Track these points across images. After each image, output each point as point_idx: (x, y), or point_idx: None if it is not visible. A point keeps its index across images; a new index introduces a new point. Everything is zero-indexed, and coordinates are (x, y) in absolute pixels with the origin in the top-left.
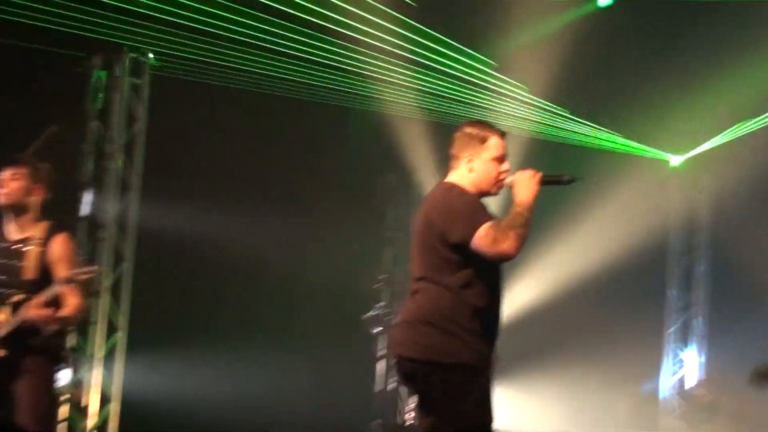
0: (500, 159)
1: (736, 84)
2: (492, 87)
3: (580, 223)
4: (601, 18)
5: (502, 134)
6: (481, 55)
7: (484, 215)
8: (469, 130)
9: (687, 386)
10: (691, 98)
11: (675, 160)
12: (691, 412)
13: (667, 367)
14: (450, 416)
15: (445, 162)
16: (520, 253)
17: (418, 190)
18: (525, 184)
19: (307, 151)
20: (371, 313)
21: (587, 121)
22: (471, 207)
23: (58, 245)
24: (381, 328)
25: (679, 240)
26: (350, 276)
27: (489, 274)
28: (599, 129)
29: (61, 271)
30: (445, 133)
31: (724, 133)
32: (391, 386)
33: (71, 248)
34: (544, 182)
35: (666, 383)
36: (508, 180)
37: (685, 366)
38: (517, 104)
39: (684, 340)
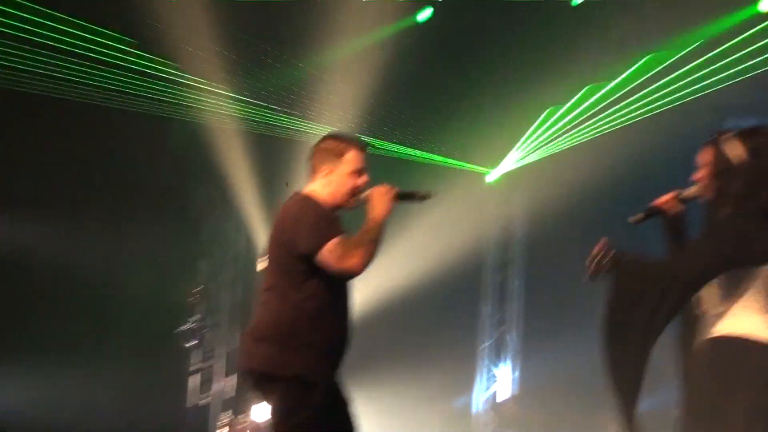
0: (358, 172)
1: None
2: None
3: (399, 237)
4: (417, 33)
5: (362, 147)
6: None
7: (334, 229)
8: (328, 143)
9: (499, 401)
10: (502, 115)
11: (491, 176)
12: (503, 427)
13: (480, 382)
14: (286, 429)
15: (263, 173)
16: (365, 270)
17: (234, 202)
18: (379, 200)
19: (123, 161)
20: (185, 326)
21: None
22: (322, 219)
23: None
24: (195, 342)
25: (493, 255)
26: (165, 289)
27: (335, 288)
28: (410, 146)
29: None
30: (264, 144)
31: (524, 147)
32: (203, 401)
33: None
34: (399, 198)
35: (479, 398)
36: (363, 194)
37: (498, 381)
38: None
39: (498, 355)
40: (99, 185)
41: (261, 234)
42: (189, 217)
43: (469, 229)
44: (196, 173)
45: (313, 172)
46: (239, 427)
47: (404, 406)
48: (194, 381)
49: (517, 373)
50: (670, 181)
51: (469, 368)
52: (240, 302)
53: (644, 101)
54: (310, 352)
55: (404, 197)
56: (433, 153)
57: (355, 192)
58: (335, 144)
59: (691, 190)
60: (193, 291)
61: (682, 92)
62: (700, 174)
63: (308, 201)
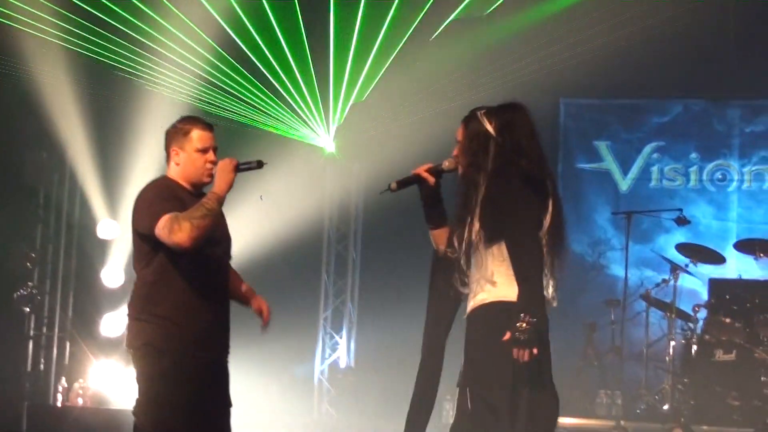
0: (204, 150)
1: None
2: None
3: (241, 208)
4: None
5: (207, 126)
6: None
7: (168, 206)
8: (175, 125)
9: (338, 370)
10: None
11: (330, 146)
12: (340, 396)
13: (320, 351)
14: (139, 395)
15: (99, 139)
16: (197, 242)
17: (71, 167)
18: (221, 173)
19: None
20: (22, 291)
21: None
22: (156, 198)
23: None
24: (30, 307)
25: (333, 227)
26: (1, 254)
27: (182, 264)
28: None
29: None
30: (102, 108)
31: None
32: (41, 367)
33: None
34: (240, 169)
35: (318, 368)
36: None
37: (338, 350)
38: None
39: (337, 326)
40: None
41: (97, 200)
42: (23, 182)
43: (310, 200)
44: (29, 137)
45: (167, 157)
46: (74, 393)
47: (246, 374)
48: (31, 346)
49: (353, 344)
50: None
51: (311, 338)
52: (75, 269)
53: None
54: (158, 322)
55: (244, 168)
56: (272, 125)
57: (206, 167)
58: (181, 125)
59: (445, 164)
60: (30, 256)
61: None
62: (455, 150)
63: (149, 184)
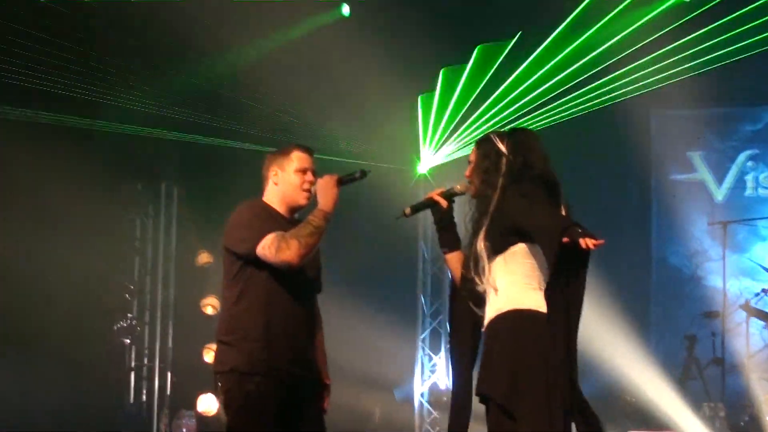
0: (303, 170)
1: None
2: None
3: (333, 230)
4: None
5: (308, 149)
6: None
7: (268, 226)
8: (274, 150)
9: (438, 391)
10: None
11: (422, 167)
12: (442, 417)
13: (419, 372)
14: (227, 420)
15: (196, 171)
16: (303, 261)
17: (166, 199)
18: (324, 190)
19: (53, 157)
20: (122, 323)
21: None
22: (255, 218)
23: None
24: (129, 340)
25: (428, 248)
26: (99, 287)
27: (275, 285)
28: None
29: None
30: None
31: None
32: (143, 398)
33: None
34: (342, 183)
35: (419, 389)
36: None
37: (436, 372)
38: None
39: (436, 347)
40: (34, 186)
41: (193, 232)
42: (122, 216)
43: (404, 222)
44: (125, 169)
45: (264, 179)
46: (177, 424)
47: (347, 396)
48: (133, 378)
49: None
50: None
51: (409, 360)
52: (174, 300)
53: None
54: (244, 346)
55: (346, 181)
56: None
57: (304, 188)
58: (281, 148)
59: (457, 187)
60: (130, 288)
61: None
62: (467, 171)
63: (243, 205)
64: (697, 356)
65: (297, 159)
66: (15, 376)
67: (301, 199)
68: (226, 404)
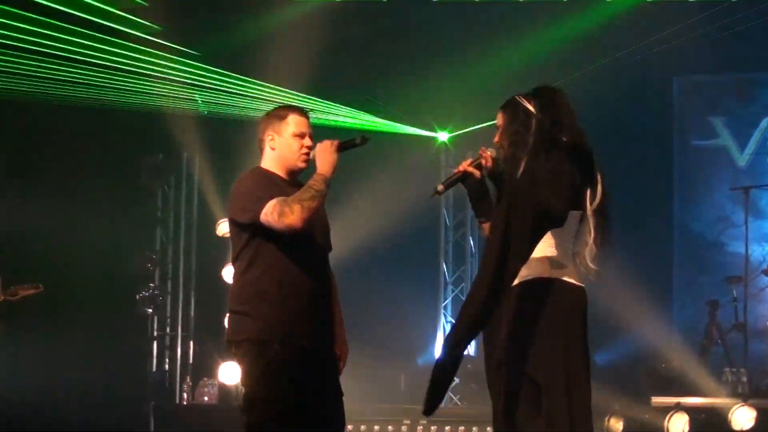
0: (301, 135)
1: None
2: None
3: (354, 198)
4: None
5: (302, 112)
6: None
7: (270, 192)
8: (269, 112)
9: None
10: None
11: (443, 135)
12: (464, 384)
13: (442, 340)
14: (247, 389)
15: (216, 143)
16: (307, 223)
17: (187, 170)
18: (323, 154)
19: (75, 132)
20: (144, 293)
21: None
22: (256, 185)
23: None
24: (151, 309)
25: (450, 215)
26: (121, 256)
27: (284, 251)
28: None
29: None
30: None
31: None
32: (166, 367)
33: None
34: (342, 148)
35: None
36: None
37: None
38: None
39: (457, 313)
40: (54, 160)
41: (214, 199)
42: (141, 185)
43: (425, 190)
44: (145, 141)
45: (260, 143)
46: (199, 391)
47: (370, 365)
48: (155, 347)
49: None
50: None
51: (432, 327)
52: (196, 269)
53: None
54: (258, 313)
55: (346, 147)
56: (383, 118)
57: (302, 152)
58: (276, 111)
59: (486, 155)
60: (151, 258)
61: None
62: (496, 136)
63: (245, 174)
64: (719, 322)
65: (294, 123)
66: (40, 345)
67: (300, 163)
68: (244, 373)
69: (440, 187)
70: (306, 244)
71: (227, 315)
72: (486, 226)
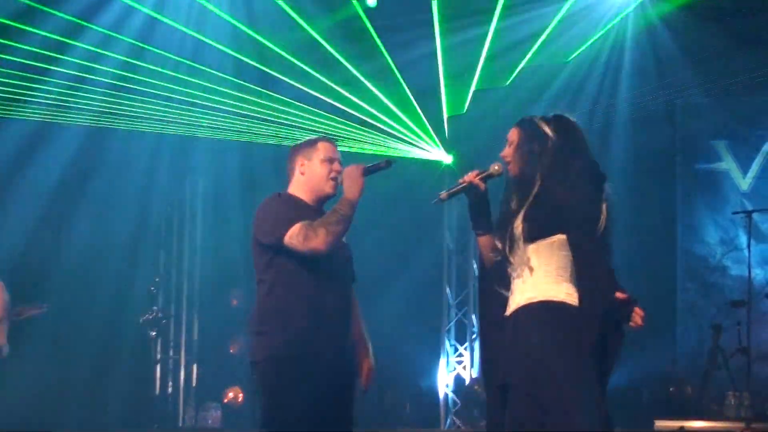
0: (330, 160)
1: None
2: None
3: (356, 221)
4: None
5: (331, 140)
6: None
7: (296, 215)
8: (299, 142)
9: (463, 382)
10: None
11: (448, 158)
12: (468, 410)
13: (444, 363)
14: (264, 409)
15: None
16: (331, 248)
17: (190, 191)
18: (350, 179)
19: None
20: (147, 316)
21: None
22: (282, 209)
23: None
24: (155, 332)
25: (453, 239)
26: (125, 280)
27: (307, 274)
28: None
29: None
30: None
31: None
32: (170, 390)
33: None
34: (368, 172)
35: (444, 380)
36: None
37: (462, 363)
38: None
39: (461, 338)
40: (47, 180)
41: (219, 226)
42: (143, 208)
43: (429, 213)
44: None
45: (290, 171)
46: (203, 415)
47: (373, 390)
48: (159, 370)
49: (477, 355)
50: None
51: (435, 351)
52: (199, 292)
53: None
54: (279, 334)
55: (373, 171)
56: (387, 145)
57: (331, 177)
58: (307, 139)
59: (494, 167)
60: (155, 280)
61: None
62: (507, 151)
63: (270, 197)
64: (722, 345)
65: (323, 149)
66: (44, 368)
67: (328, 188)
68: (263, 391)
69: (443, 195)
70: (327, 269)
71: (250, 338)
72: (484, 239)
